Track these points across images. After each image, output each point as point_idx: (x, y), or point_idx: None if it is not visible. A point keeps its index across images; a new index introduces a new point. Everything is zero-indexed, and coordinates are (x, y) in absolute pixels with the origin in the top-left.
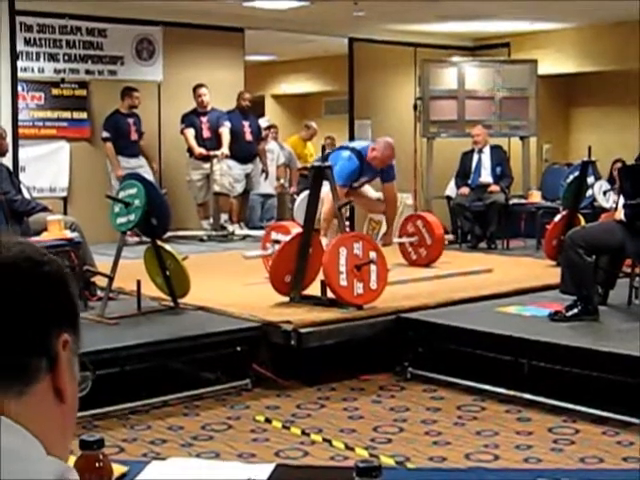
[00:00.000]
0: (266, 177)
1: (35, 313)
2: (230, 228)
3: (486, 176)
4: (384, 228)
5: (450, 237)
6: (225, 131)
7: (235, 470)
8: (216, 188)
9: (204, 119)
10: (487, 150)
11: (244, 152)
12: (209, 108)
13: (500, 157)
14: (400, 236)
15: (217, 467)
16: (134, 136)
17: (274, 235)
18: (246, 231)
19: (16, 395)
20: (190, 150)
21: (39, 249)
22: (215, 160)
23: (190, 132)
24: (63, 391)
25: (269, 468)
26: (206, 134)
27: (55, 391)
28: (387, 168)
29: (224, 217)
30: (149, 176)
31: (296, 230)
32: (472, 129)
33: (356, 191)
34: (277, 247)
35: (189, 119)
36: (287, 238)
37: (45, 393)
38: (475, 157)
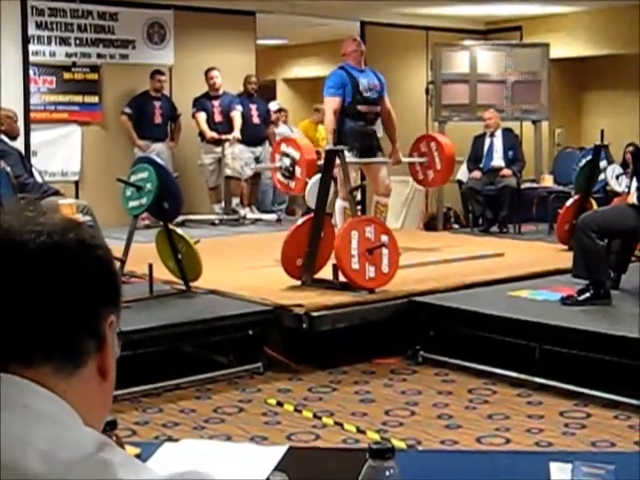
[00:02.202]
0: None
1: (88, 295)
2: (242, 212)
3: (498, 160)
4: (390, 212)
5: (461, 159)
6: (237, 115)
7: (248, 452)
8: (227, 172)
9: (216, 103)
10: (499, 134)
11: (252, 136)
12: (221, 92)
13: (512, 141)
14: (411, 155)
15: (230, 449)
16: (158, 119)
17: (283, 147)
18: (258, 215)
19: (65, 376)
20: (202, 134)
21: (89, 231)
22: (227, 144)
23: (201, 116)
24: (106, 370)
25: (281, 450)
26: (218, 118)
27: (99, 371)
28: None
29: (235, 201)
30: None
31: (304, 144)
32: (484, 113)
33: (371, 166)
34: (285, 160)
35: (201, 103)
36: (296, 152)
37: (91, 374)
38: (487, 141)
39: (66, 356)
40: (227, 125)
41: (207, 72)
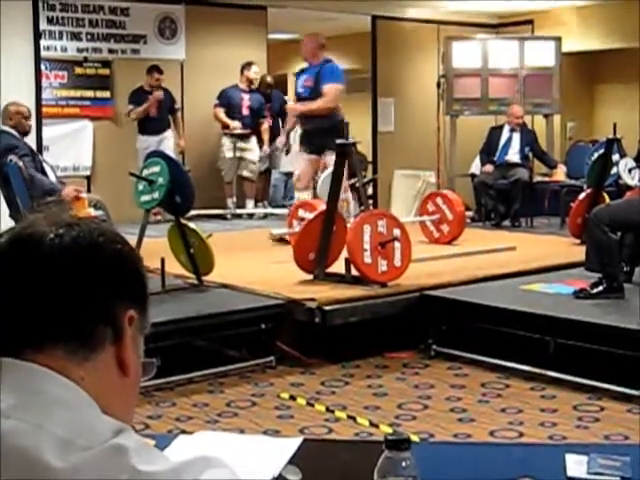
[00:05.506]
0: (287, 154)
1: (102, 284)
2: (252, 209)
3: (513, 155)
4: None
5: (471, 214)
6: (265, 127)
7: (263, 444)
8: (244, 173)
9: (246, 97)
10: (518, 129)
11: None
12: (253, 87)
13: (529, 137)
14: (421, 215)
15: (245, 440)
16: (153, 113)
17: (301, 213)
18: (269, 210)
19: (81, 361)
20: (225, 127)
21: (114, 230)
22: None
23: (220, 111)
24: (126, 364)
25: (296, 442)
26: (245, 112)
27: (118, 363)
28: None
29: (250, 204)
30: (169, 151)
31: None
32: (512, 109)
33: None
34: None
35: (227, 96)
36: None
37: (108, 363)
38: (505, 135)
39: (79, 340)
40: (251, 120)
41: (246, 66)
